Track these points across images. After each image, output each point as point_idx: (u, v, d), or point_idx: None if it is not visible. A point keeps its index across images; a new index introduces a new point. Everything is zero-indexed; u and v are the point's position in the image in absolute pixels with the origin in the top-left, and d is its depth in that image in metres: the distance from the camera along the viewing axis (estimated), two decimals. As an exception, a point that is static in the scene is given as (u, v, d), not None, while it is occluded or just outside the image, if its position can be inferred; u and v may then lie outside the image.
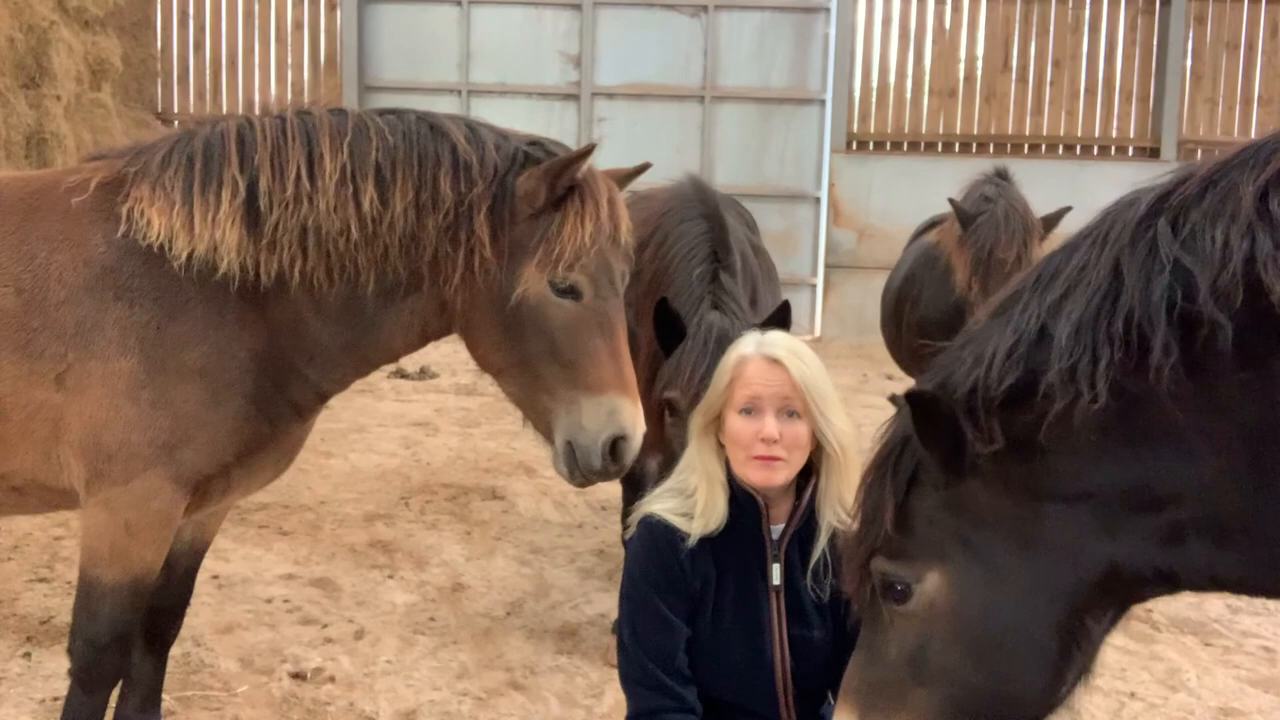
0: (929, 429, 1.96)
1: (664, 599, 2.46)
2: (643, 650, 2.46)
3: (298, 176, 2.75)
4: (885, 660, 2.10)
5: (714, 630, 2.47)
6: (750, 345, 2.48)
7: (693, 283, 4.01)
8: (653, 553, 2.49)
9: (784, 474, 2.40)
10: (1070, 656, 2.03)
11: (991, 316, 2.03)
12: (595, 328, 2.83)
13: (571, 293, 2.81)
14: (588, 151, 2.81)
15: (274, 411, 2.87)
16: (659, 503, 2.54)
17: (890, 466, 2.07)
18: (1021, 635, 1.99)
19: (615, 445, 2.83)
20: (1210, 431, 1.83)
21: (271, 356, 2.81)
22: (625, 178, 3.11)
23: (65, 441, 2.75)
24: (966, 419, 1.93)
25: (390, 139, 2.81)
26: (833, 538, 2.44)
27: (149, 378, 2.70)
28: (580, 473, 2.87)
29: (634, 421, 2.85)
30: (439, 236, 2.77)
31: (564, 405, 2.84)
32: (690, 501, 2.49)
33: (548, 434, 2.92)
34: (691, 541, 2.45)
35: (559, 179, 2.78)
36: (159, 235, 2.72)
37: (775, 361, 2.41)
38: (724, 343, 3.69)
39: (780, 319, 3.76)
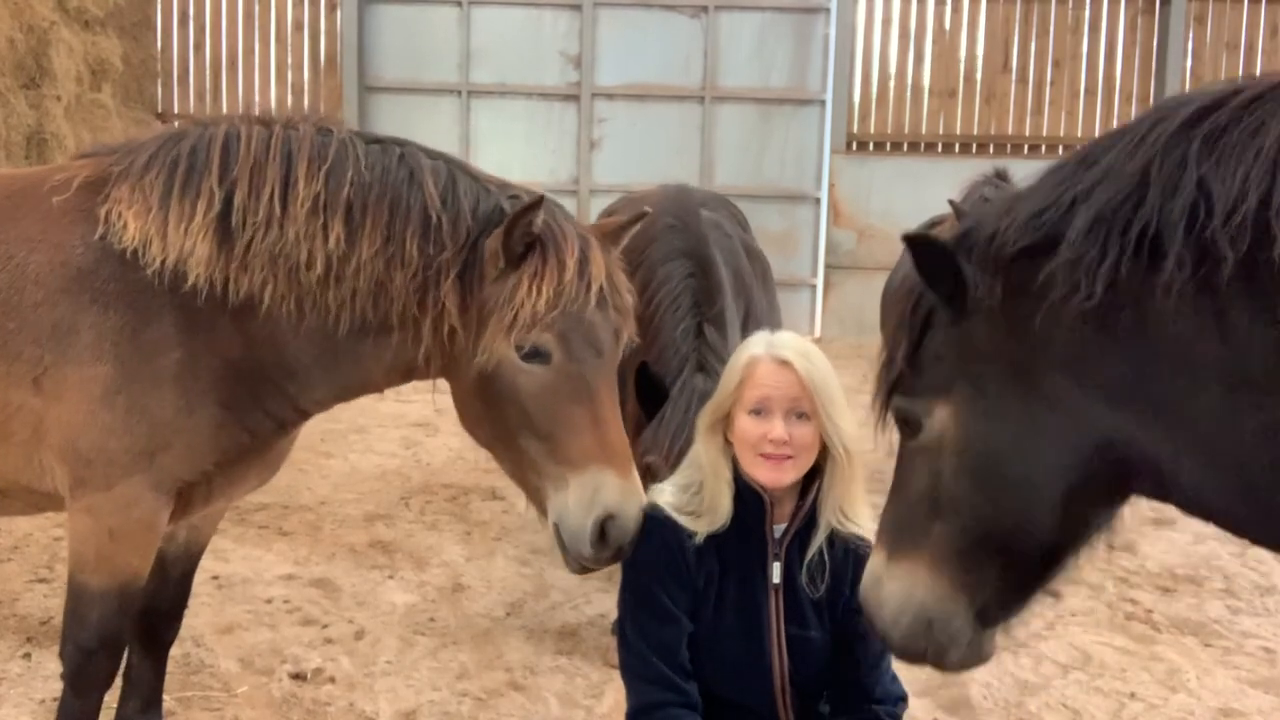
0: (929, 269, 2.06)
1: (667, 591, 2.47)
2: (645, 642, 2.47)
3: (271, 198, 2.65)
4: (909, 499, 2.22)
5: (714, 626, 2.48)
6: (760, 346, 2.48)
7: (677, 340, 3.92)
8: (658, 546, 2.50)
9: (792, 474, 2.42)
10: (1069, 504, 2.08)
11: (1040, 177, 2.10)
12: (571, 393, 2.60)
13: (538, 356, 2.60)
14: (536, 204, 2.61)
15: (252, 422, 2.79)
16: (664, 498, 2.55)
17: (910, 306, 2.19)
18: (1020, 470, 2.07)
19: (604, 527, 2.55)
20: (1216, 361, 1.87)
21: (248, 367, 2.74)
22: (620, 230, 2.89)
23: (46, 446, 2.72)
24: (977, 264, 2.02)
25: (366, 176, 2.67)
26: (831, 541, 2.45)
27: (123, 383, 2.64)
28: (572, 558, 2.63)
29: (622, 498, 2.55)
30: (407, 295, 2.64)
31: (551, 483, 2.63)
32: (696, 499, 2.50)
33: (543, 513, 2.71)
34: (699, 539, 2.46)
35: (512, 236, 2.61)
36: (134, 239, 2.65)
37: (785, 363, 2.41)
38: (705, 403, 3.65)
39: None
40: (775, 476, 2.41)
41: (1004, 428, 2.07)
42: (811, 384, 2.39)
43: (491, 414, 2.68)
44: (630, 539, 2.55)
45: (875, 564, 2.29)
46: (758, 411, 2.41)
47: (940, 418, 2.14)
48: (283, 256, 2.64)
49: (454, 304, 2.63)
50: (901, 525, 2.24)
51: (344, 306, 2.66)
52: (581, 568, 2.65)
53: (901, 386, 2.20)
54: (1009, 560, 2.16)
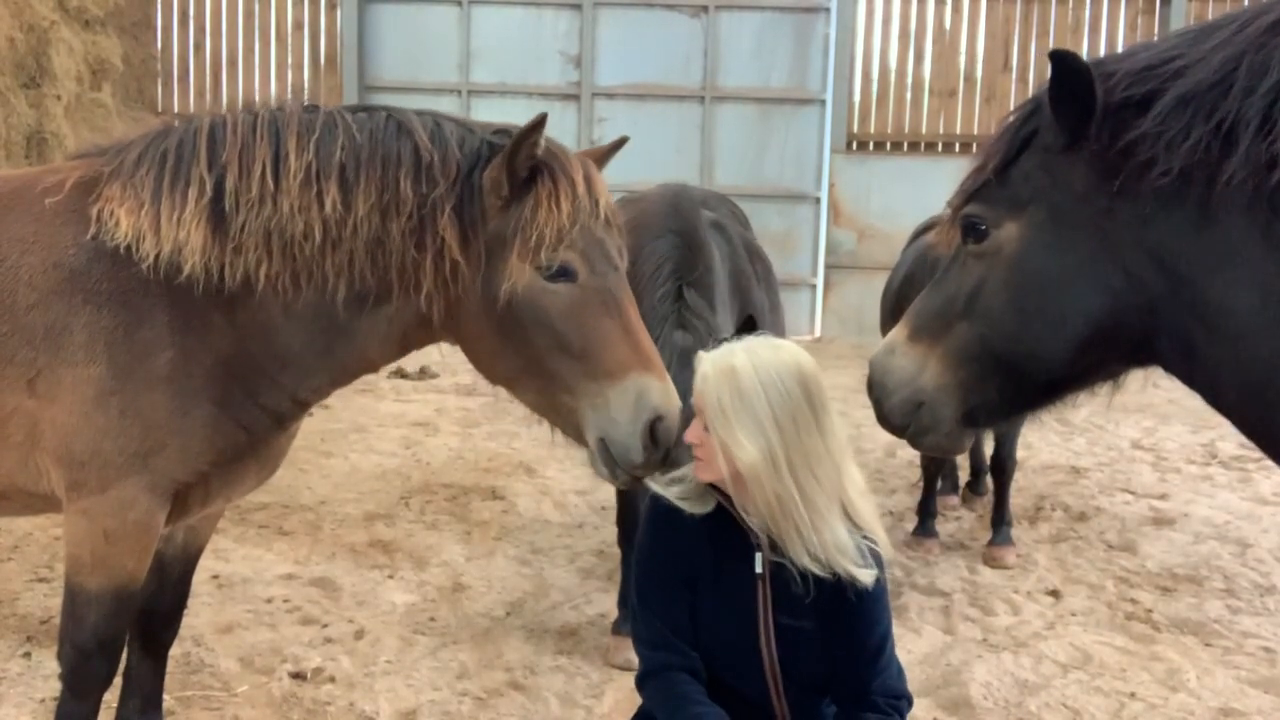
0: (1063, 88, 2.13)
1: (667, 562, 2.53)
2: (650, 610, 2.54)
3: (263, 175, 2.64)
4: (947, 294, 2.42)
5: (709, 609, 2.53)
6: (711, 352, 2.50)
7: (656, 303, 3.95)
8: (658, 523, 2.57)
9: (705, 472, 2.46)
10: (1088, 348, 2.22)
11: (1172, 33, 2.22)
12: (599, 307, 2.63)
13: (564, 274, 2.62)
14: (540, 122, 2.58)
15: (248, 419, 2.77)
16: (664, 485, 2.61)
17: (1017, 124, 2.31)
18: (1058, 302, 2.22)
19: (653, 429, 2.58)
20: (1259, 268, 1.97)
21: (241, 362, 2.72)
22: (604, 155, 2.96)
23: (41, 448, 2.70)
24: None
25: (357, 137, 2.68)
26: (774, 545, 2.45)
27: (117, 385, 2.62)
28: (622, 470, 2.64)
29: (666, 399, 2.61)
30: (404, 241, 2.63)
31: (588, 401, 2.63)
32: (688, 486, 2.56)
33: (578, 436, 2.71)
34: (688, 515, 2.51)
35: (516, 160, 2.60)
36: (126, 236, 2.64)
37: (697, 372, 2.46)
38: (686, 360, 3.66)
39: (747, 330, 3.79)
40: (695, 469, 2.49)
41: (1061, 260, 2.20)
42: (702, 398, 2.40)
43: (515, 344, 2.66)
44: (677, 441, 2.57)
45: (895, 336, 2.51)
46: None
47: (1007, 231, 2.29)
48: (277, 231, 2.62)
49: (454, 238, 2.62)
50: (930, 314, 2.43)
51: (341, 273, 2.65)
52: (630, 479, 2.67)
53: (982, 194, 2.33)
54: (1012, 379, 2.33)
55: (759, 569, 2.48)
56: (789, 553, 2.41)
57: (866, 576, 2.41)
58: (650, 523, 2.60)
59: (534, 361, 2.67)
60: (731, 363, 2.39)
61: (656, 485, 2.61)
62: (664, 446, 2.59)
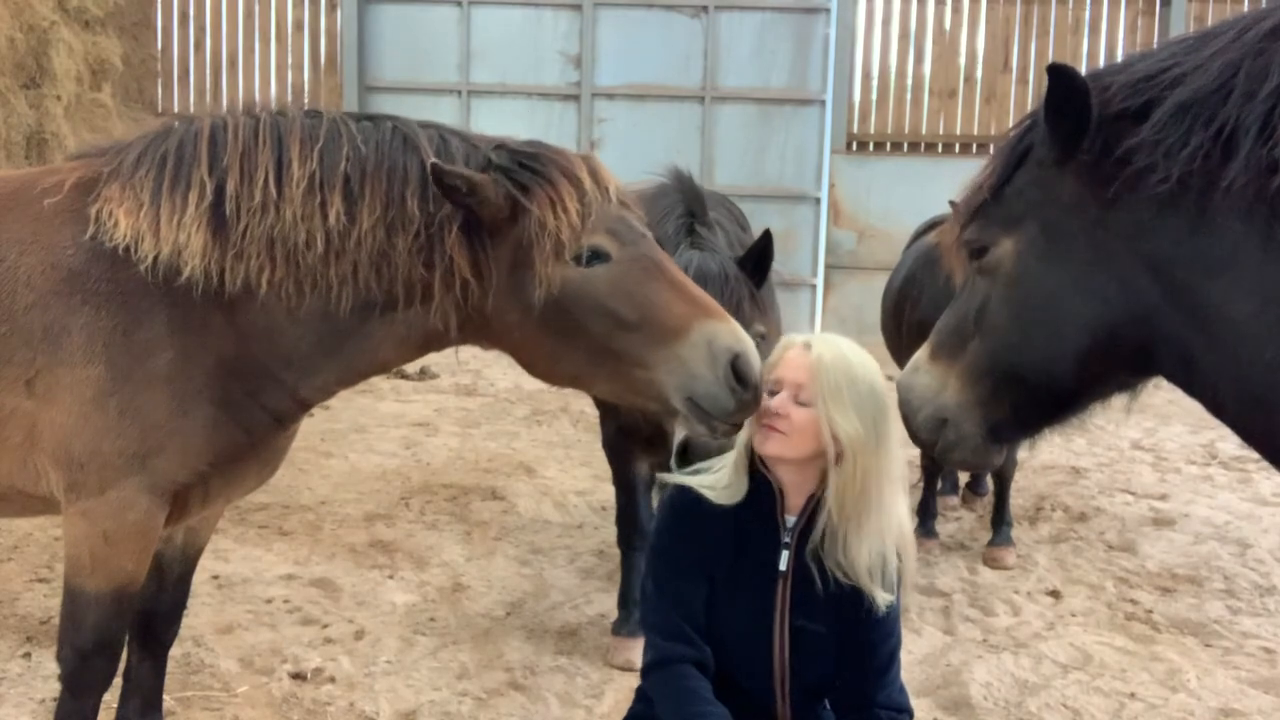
0: (1059, 101, 2.14)
1: (687, 552, 2.53)
2: (664, 597, 2.54)
3: (265, 183, 2.63)
4: (961, 313, 2.48)
5: (725, 603, 2.53)
6: (802, 336, 2.56)
7: (669, 236, 4.05)
8: (680, 512, 2.58)
9: (778, 446, 2.46)
10: (1089, 360, 2.24)
11: (1165, 43, 2.25)
12: (641, 273, 2.63)
13: (598, 257, 2.62)
14: (436, 169, 2.56)
15: (249, 419, 2.76)
16: (689, 474, 2.63)
17: (1012, 143, 2.35)
18: (1054, 316, 2.24)
19: (736, 369, 2.51)
20: (1257, 272, 1.96)
21: (243, 362, 2.71)
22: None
23: (40, 449, 2.70)
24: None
25: (362, 149, 2.67)
26: (821, 539, 2.46)
27: (116, 385, 2.61)
28: (718, 420, 2.56)
29: (736, 335, 2.56)
30: (411, 258, 2.63)
31: (663, 368, 2.58)
32: (719, 475, 2.58)
33: (666, 408, 2.66)
34: (714, 504, 2.52)
35: (481, 193, 2.60)
36: (125, 237, 2.63)
37: (806, 348, 2.48)
38: (705, 276, 3.74)
39: (761, 248, 3.92)
40: (761, 442, 2.48)
41: (1054, 275, 2.22)
42: (816, 373, 2.42)
43: (571, 339, 2.65)
44: (759, 371, 2.53)
45: (920, 355, 2.57)
46: (773, 392, 2.49)
47: (1004, 248, 2.32)
48: (280, 240, 2.62)
49: (463, 257, 2.62)
50: (949, 332, 2.49)
51: (345, 282, 2.64)
52: (729, 427, 2.59)
53: (981, 213, 2.37)
54: (1023, 393, 2.36)
55: (783, 567, 2.49)
56: (832, 549, 2.44)
57: (883, 600, 2.45)
58: (673, 510, 2.60)
59: (596, 349, 2.65)
60: (843, 350, 2.48)
61: (681, 475, 2.62)
62: (752, 383, 2.51)
